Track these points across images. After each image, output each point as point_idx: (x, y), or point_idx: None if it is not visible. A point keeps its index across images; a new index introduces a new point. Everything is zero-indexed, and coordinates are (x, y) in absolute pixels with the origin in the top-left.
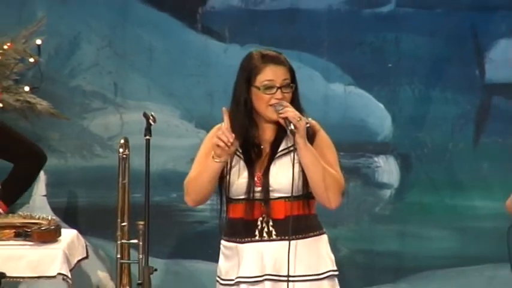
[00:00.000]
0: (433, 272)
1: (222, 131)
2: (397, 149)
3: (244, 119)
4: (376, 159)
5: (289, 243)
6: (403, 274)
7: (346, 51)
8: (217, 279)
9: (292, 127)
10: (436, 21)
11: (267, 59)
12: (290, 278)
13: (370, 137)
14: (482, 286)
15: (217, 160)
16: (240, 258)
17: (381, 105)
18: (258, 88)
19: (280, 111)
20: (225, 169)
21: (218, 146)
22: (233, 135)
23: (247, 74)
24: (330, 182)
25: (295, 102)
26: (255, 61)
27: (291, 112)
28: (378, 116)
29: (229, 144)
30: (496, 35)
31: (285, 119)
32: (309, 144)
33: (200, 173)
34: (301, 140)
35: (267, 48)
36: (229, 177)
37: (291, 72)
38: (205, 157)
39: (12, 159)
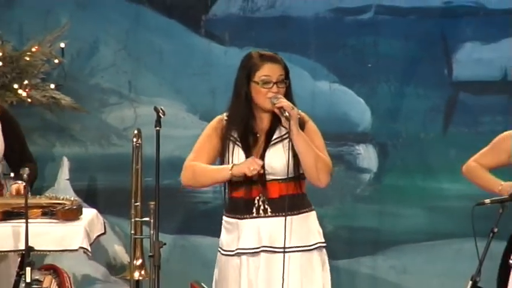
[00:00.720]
0: (406, 246)
1: (257, 166)
2: (375, 138)
3: (244, 110)
4: (357, 147)
5: (285, 219)
6: (381, 247)
7: (331, 53)
8: (219, 249)
9: (287, 114)
10: (410, 27)
11: (265, 58)
12: (288, 250)
13: (352, 128)
14: (450, 258)
15: (235, 176)
16: (240, 232)
17: (361, 100)
18: (257, 83)
19: (276, 102)
20: (226, 156)
21: (245, 173)
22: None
23: (247, 70)
24: (320, 163)
25: (288, 95)
26: (255, 60)
27: (285, 102)
28: (358, 110)
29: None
30: (462, 39)
31: (280, 108)
32: (301, 131)
33: (209, 175)
34: (294, 127)
35: (263, 50)
36: (231, 161)
37: (286, 70)
38: (205, 142)
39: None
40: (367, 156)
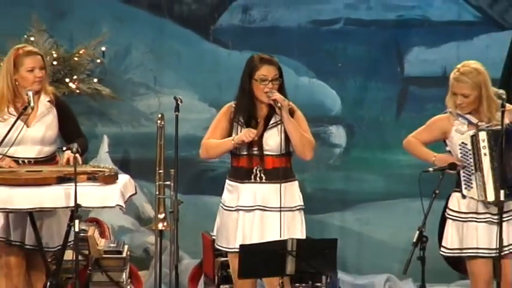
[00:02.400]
0: (368, 204)
1: (252, 134)
2: (344, 121)
3: (247, 101)
4: (330, 127)
5: (280, 186)
6: (348, 205)
7: (310, 55)
8: (222, 205)
9: (279, 105)
10: (371, 35)
11: (263, 61)
12: (273, 209)
13: (326, 113)
14: (402, 213)
15: (236, 145)
16: (239, 193)
17: (334, 92)
18: (256, 80)
19: (271, 96)
20: (233, 135)
21: (243, 140)
22: (255, 135)
23: (249, 70)
24: (306, 142)
25: (282, 90)
26: (255, 62)
27: (278, 96)
28: (331, 99)
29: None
30: (411, 44)
31: (274, 100)
32: (290, 117)
33: (218, 146)
34: (285, 114)
35: (262, 53)
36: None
37: (280, 70)
38: (217, 124)
39: (70, 139)
40: (338, 134)
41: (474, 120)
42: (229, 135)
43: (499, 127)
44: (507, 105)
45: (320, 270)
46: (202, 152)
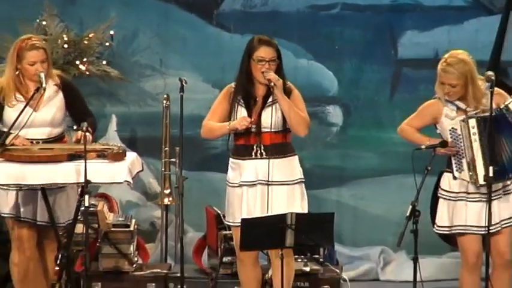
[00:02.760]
0: (364, 180)
1: (246, 122)
2: (341, 101)
3: (246, 80)
4: (327, 107)
5: (270, 161)
6: (344, 181)
7: (309, 38)
8: (227, 183)
9: (273, 84)
10: (366, 19)
11: (261, 42)
12: (274, 183)
13: (324, 93)
14: (395, 189)
15: (231, 130)
16: (242, 170)
17: (331, 73)
18: (254, 60)
19: (266, 75)
20: (233, 113)
21: (237, 128)
22: (250, 123)
23: (248, 51)
24: (300, 120)
25: (280, 71)
26: (254, 43)
27: (272, 75)
28: (328, 80)
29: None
30: (405, 28)
31: (269, 79)
32: (285, 96)
33: (215, 130)
34: (278, 93)
35: (262, 35)
36: (236, 118)
37: (278, 52)
38: (217, 105)
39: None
40: (334, 114)
41: (462, 105)
42: (229, 115)
43: (487, 114)
44: (496, 89)
45: (318, 243)
46: (203, 132)
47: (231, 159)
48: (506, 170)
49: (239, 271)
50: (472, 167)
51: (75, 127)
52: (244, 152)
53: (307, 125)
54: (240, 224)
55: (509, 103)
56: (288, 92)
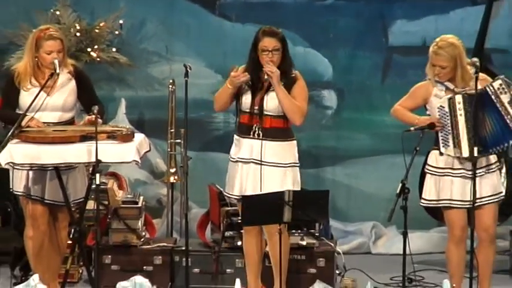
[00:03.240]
0: (357, 159)
1: (237, 73)
2: (336, 85)
3: (253, 68)
4: (322, 91)
5: (264, 142)
6: (339, 160)
7: (305, 27)
8: (229, 158)
9: (266, 76)
10: (359, 9)
11: (265, 33)
12: (266, 163)
13: (319, 78)
14: (386, 168)
15: (230, 87)
16: (241, 146)
17: (326, 60)
18: (259, 50)
19: (264, 68)
20: (240, 93)
21: (233, 81)
22: (242, 74)
23: (255, 41)
24: (295, 108)
25: (284, 59)
26: (259, 34)
27: (268, 68)
28: (324, 66)
29: (238, 78)
30: (395, 17)
31: (265, 72)
32: (281, 86)
33: (220, 94)
34: (275, 83)
35: (269, 26)
36: (242, 98)
37: (281, 42)
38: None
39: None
40: (329, 98)
41: (451, 86)
42: (238, 96)
43: (473, 91)
44: (481, 74)
45: (314, 219)
46: (214, 105)
47: (235, 136)
48: (488, 145)
49: (244, 241)
50: (456, 141)
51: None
52: (245, 131)
53: (302, 114)
54: (237, 197)
55: (493, 82)
56: (293, 81)
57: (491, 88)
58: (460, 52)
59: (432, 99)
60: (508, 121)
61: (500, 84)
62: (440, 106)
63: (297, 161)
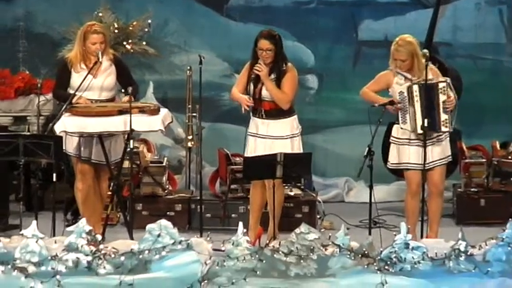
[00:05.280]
0: (333, 129)
1: (246, 103)
2: (317, 71)
3: (254, 63)
4: (307, 76)
5: (266, 121)
6: (319, 129)
7: (293, 26)
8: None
9: (254, 75)
10: (335, 11)
11: (261, 35)
12: (268, 136)
13: (303, 65)
14: (356, 135)
15: (239, 100)
16: (252, 124)
17: (309, 51)
18: (257, 49)
19: (255, 66)
20: (247, 85)
21: (242, 101)
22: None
23: (255, 42)
24: (280, 97)
25: (277, 56)
26: (259, 36)
27: (257, 67)
28: (307, 56)
29: (244, 104)
30: (363, 18)
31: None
32: (269, 80)
33: (236, 99)
34: (263, 79)
35: (268, 28)
36: (248, 88)
37: (274, 42)
38: (240, 77)
39: (126, 86)
40: (312, 81)
41: (409, 76)
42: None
43: (428, 81)
44: (431, 66)
45: (299, 174)
46: (231, 97)
47: (251, 115)
48: (436, 122)
49: (251, 192)
50: (413, 120)
51: (123, 91)
52: (254, 112)
53: (287, 101)
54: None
55: (440, 82)
56: (283, 73)
57: (437, 87)
58: (415, 48)
59: (394, 86)
60: (435, 115)
61: (444, 87)
62: (401, 91)
63: (296, 132)
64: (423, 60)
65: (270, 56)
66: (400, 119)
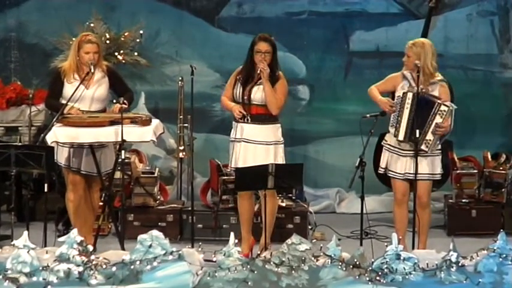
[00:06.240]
0: (324, 139)
1: (238, 112)
2: (308, 82)
3: (248, 66)
4: (298, 86)
5: (250, 125)
6: (310, 140)
7: (285, 36)
8: (230, 138)
9: (259, 72)
10: (327, 22)
11: (260, 38)
12: (252, 141)
13: (295, 76)
14: (348, 146)
15: (229, 108)
16: (235, 129)
17: (300, 62)
18: (254, 52)
19: (258, 65)
20: (234, 87)
21: (234, 110)
22: (240, 114)
23: (251, 44)
24: (274, 101)
25: (273, 61)
26: (257, 38)
27: (262, 65)
28: (299, 66)
29: (236, 113)
30: (354, 28)
31: (260, 68)
32: (268, 82)
33: (226, 106)
34: (264, 78)
35: (263, 33)
36: (234, 91)
37: (273, 47)
38: (229, 84)
39: (122, 94)
40: (303, 91)
41: (413, 84)
42: (232, 91)
43: (428, 94)
44: (444, 84)
45: (291, 185)
46: (221, 105)
47: (233, 122)
48: (420, 137)
49: (238, 203)
50: (398, 125)
51: (114, 101)
52: (238, 117)
53: (278, 106)
54: (233, 168)
55: (442, 105)
56: (276, 79)
57: (438, 107)
58: (425, 51)
59: (398, 89)
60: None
61: (445, 111)
62: (398, 96)
63: (280, 140)
64: (432, 70)
65: (267, 59)
66: (391, 121)
